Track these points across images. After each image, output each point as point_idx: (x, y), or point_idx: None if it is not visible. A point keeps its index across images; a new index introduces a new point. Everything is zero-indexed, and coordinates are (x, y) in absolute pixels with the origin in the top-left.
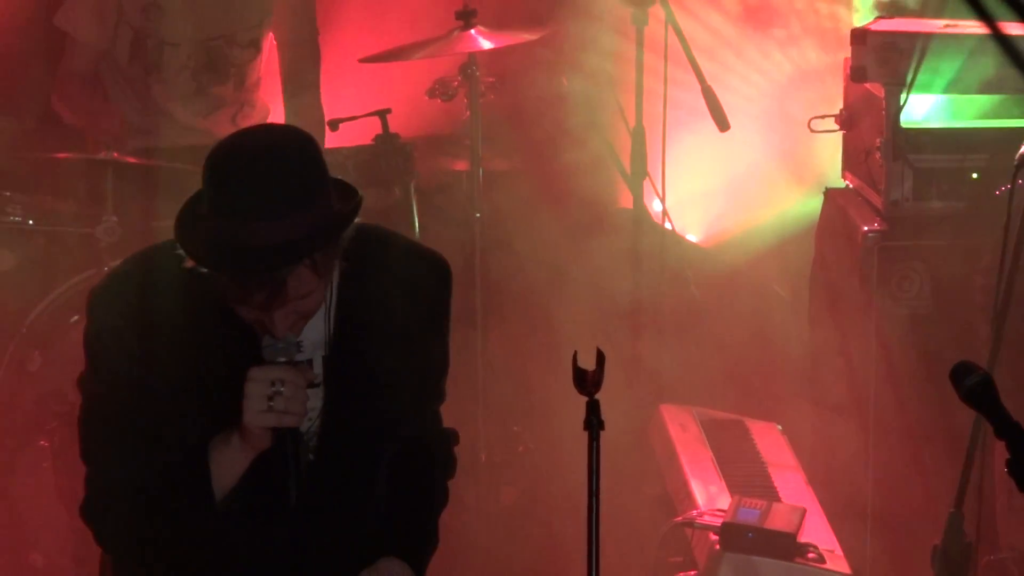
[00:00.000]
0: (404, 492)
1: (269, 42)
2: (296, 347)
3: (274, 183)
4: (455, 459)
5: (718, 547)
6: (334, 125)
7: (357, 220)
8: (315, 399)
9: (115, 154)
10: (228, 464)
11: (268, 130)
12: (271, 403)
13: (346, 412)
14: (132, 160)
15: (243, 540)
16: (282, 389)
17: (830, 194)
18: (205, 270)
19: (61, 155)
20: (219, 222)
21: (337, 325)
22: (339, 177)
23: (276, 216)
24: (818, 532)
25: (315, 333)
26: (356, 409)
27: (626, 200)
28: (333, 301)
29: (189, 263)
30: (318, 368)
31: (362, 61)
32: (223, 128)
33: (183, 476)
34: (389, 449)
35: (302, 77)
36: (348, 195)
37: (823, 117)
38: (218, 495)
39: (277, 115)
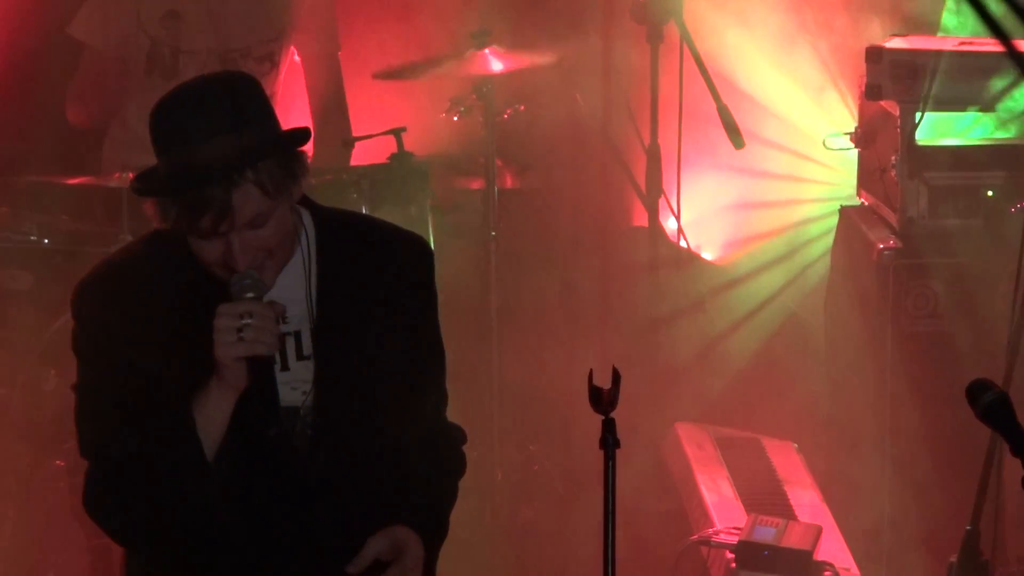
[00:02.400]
0: (411, 478)
1: (288, 58)
2: (263, 283)
3: (209, 106)
4: (464, 456)
5: (734, 565)
6: (349, 143)
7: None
8: (306, 372)
9: (131, 175)
10: (212, 411)
11: (207, 74)
12: (241, 334)
13: (338, 383)
14: None
15: (245, 515)
16: (250, 321)
17: (845, 212)
18: (166, 226)
19: (75, 181)
20: (164, 157)
21: (320, 296)
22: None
23: (213, 133)
24: (834, 550)
25: (300, 306)
26: (348, 380)
27: (641, 218)
28: (314, 271)
29: (154, 222)
30: (306, 341)
31: (376, 78)
32: None
33: (170, 436)
34: (389, 423)
35: (329, 94)
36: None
37: (838, 135)
38: (209, 449)
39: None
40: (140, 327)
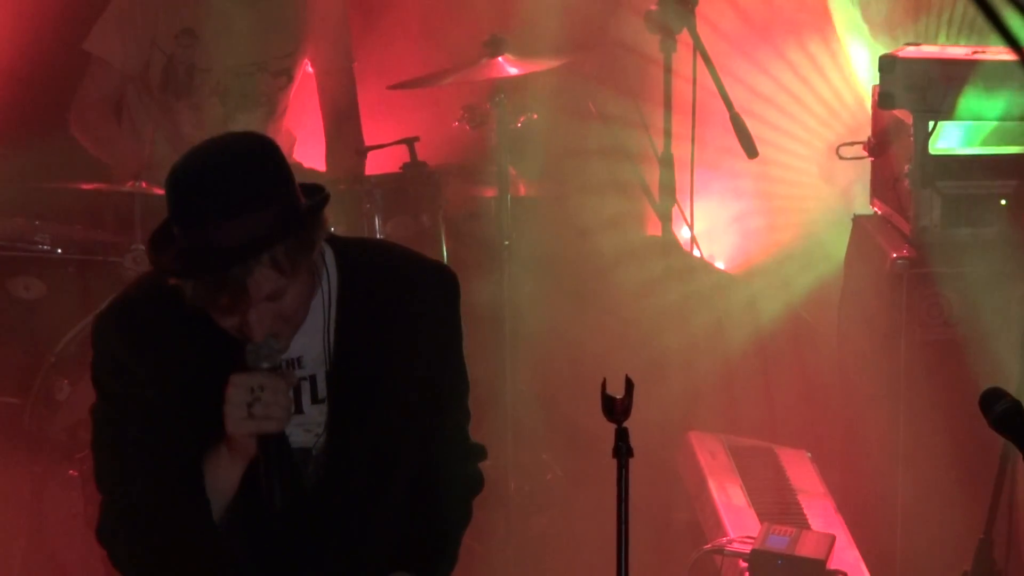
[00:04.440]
0: (420, 509)
1: (301, 71)
2: (278, 352)
3: (227, 184)
4: (481, 475)
5: (747, 574)
6: (362, 152)
7: (359, 236)
8: (319, 415)
9: (143, 184)
10: (222, 475)
11: (225, 137)
12: (251, 409)
13: (351, 427)
14: (160, 192)
15: (249, 558)
16: (262, 395)
17: (859, 221)
18: (181, 285)
19: (88, 186)
20: (180, 231)
21: (338, 339)
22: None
23: (229, 215)
24: (847, 559)
25: (316, 349)
26: (361, 424)
27: (655, 227)
28: (333, 315)
29: (172, 280)
30: (321, 384)
31: (390, 88)
32: None
33: (180, 492)
34: (403, 465)
35: (343, 105)
36: (314, 194)
37: (852, 144)
38: (217, 508)
39: (303, 143)
40: (156, 368)
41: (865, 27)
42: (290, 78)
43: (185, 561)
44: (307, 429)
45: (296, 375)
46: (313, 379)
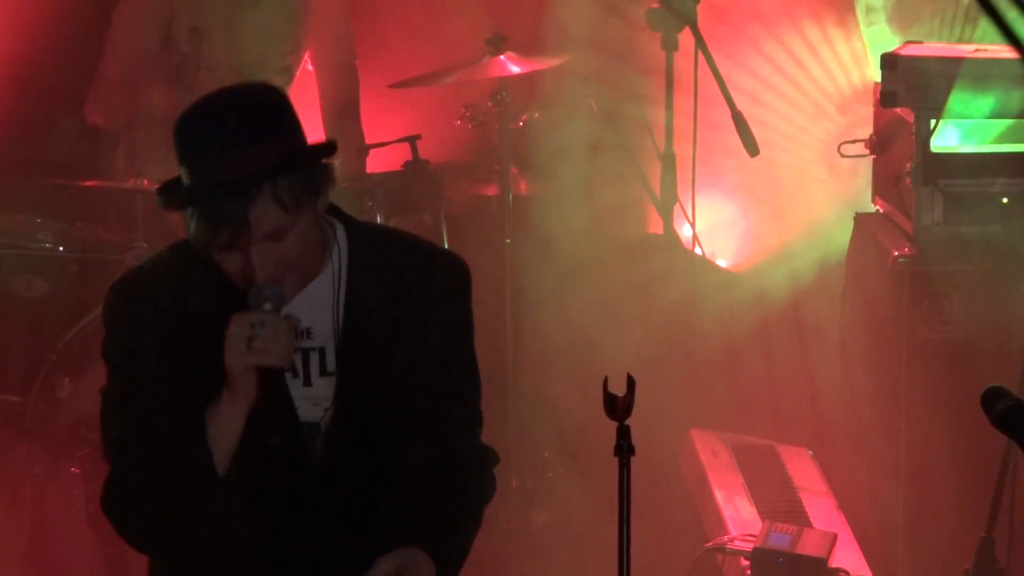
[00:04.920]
0: (432, 491)
1: (300, 69)
2: (281, 295)
3: (230, 120)
4: (494, 480)
5: (749, 572)
6: (364, 150)
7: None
8: (327, 389)
9: (145, 182)
10: (223, 420)
11: (233, 84)
12: (251, 343)
13: (359, 401)
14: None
15: (259, 529)
16: (261, 331)
17: (860, 219)
18: (192, 239)
19: (90, 183)
20: (185, 169)
21: (348, 313)
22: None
23: (231, 147)
24: (849, 557)
25: (326, 321)
26: (369, 399)
27: (656, 225)
28: (343, 289)
29: (182, 231)
30: (330, 357)
31: (392, 87)
32: None
33: (185, 446)
34: (411, 443)
35: (343, 102)
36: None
37: (853, 142)
38: (220, 456)
39: None
40: (164, 334)
41: (884, 22)
42: (290, 76)
43: (191, 518)
44: (315, 403)
45: (297, 319)
46: (322, 351)
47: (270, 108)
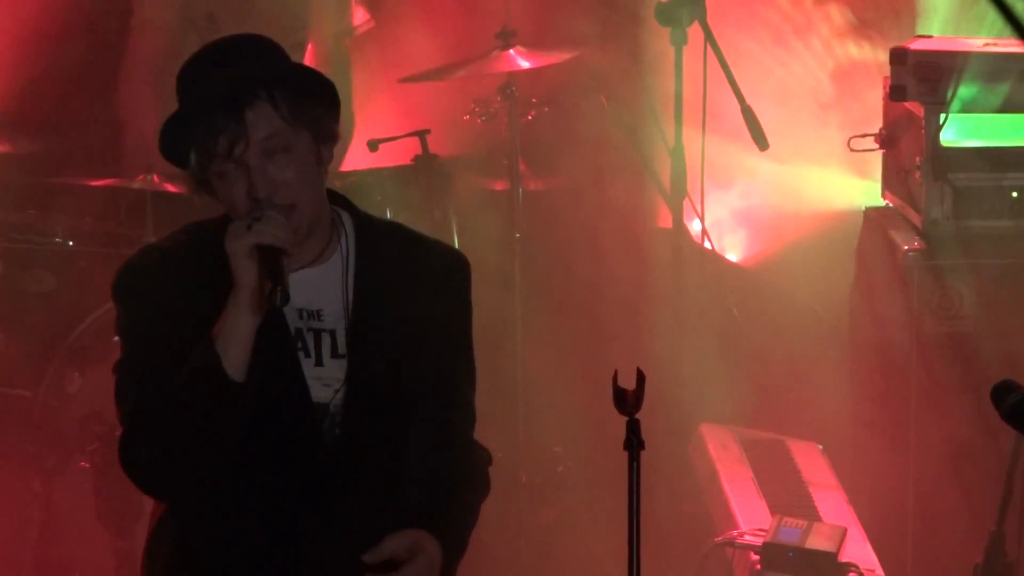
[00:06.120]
0: (435, 489)
1: (308, 57)
2: (283, 215)
3: (225, 45)
4: (488, 478)
5: (759, 567)
6: (373, 145)
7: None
8: (338, 371)
9: (155, 177)
10: (230, 323)
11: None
12: (251, 227)
13: (369, 382)
14: (170, 188)
15: (268, 504)
16: (261, 217)
17: (870, 213)
18: (192, 171)
19: (99, 183)
20: (183, 96)
21: (357, 296)
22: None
23: (225, 65)
24: (859, 551)
25: (336, 304)
26: (378, 379)
27: (665, 219)
28: (352, 272)
29: (188, 189)
30: (340, 340)
31: (401, 81)
32: None
33: (193, 363)
34: (415, 427)
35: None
36: None
37: (863, 136)
38: (232, 365)
39: None
40: (177, 307)
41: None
42: (301, 59)
43: (208, 430)
44: (326, 383)
45: (318, 321)
46: (333, 333)
47: (266, 40)
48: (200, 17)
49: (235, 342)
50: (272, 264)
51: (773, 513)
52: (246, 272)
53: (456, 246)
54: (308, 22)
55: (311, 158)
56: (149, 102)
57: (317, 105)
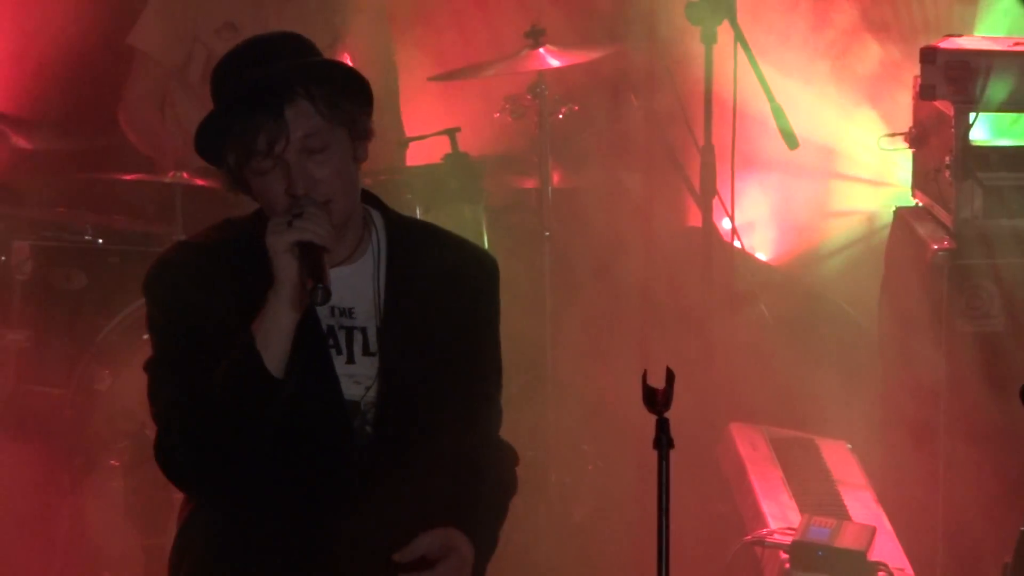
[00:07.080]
0: (465, 488)
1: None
2: (323, 210)
3: (263, 42)
4: (515, 477)
5: (788, 566)
6: (404, 143)
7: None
8: (370, 368)
9: (184, 174)
10: (269, 319)
11: None
12: (292, 223)
13: (400, 380)
14: (200, 182)
15: (300, 501)
16: (301, 214)
17: (900, 212)
18: (230, 168)
19: (130, 177)
20: (218, 96)
21: (388, 295)
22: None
23: (262, 63)
24: (888, 550)
25: (368, 302)
26: (409, 377)
27: (695, 218)
28: (383, 271)
29: (225, 186)
30: (372, 338)
31: (431, 80)
32: None
33: (229, 357)
34: (446, 426)
35: (381, 95)
36: None
37: (893, 135)
38: (272, 361)
39: None
40: (209, 303)
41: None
42: None
43: (247, 425)
44: (357, 381)
45: (349, 319)
46: (364, 331)
47: (301, 38)
48: (216, 26)
49: (275, 339)
50: (313, 261)
51: (802, 512)
52: (287, 268)
53: (486, 244)
54: (338, 38)
55: (347, 155)
56: (154, 123)
57: (353, 102)
